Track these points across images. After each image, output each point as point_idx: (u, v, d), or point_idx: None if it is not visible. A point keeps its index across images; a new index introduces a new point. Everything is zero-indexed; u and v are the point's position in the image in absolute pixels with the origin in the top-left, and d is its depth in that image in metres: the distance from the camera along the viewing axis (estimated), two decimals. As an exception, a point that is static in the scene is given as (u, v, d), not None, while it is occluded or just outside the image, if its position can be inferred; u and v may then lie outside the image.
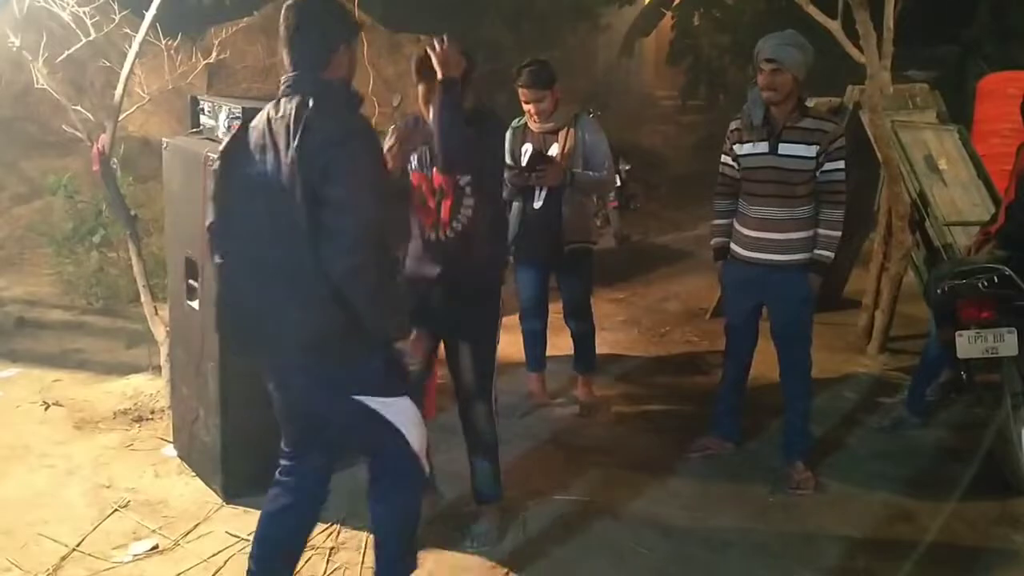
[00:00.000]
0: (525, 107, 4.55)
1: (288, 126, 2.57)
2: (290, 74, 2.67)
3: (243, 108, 3.67)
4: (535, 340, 4.89)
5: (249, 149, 2.68)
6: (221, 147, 2.84)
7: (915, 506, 3.95)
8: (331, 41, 2.67)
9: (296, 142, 2.53)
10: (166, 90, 5.35)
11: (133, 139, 7.93)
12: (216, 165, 2.96)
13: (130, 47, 4.43)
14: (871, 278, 5.98)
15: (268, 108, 2.71)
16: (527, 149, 4.57)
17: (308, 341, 2.64)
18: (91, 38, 4.48)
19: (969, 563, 3.55)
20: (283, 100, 2.65)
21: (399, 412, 2.80)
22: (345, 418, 2.80)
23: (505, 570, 3.45)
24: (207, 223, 2.83)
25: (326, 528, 3.65)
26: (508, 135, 4.65)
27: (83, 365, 5.41)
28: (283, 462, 2.96)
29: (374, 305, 2.60)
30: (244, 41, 8.69)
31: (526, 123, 4.62)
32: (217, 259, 2.78)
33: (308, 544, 3.52)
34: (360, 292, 2.57)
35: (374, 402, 2.74)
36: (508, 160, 4.65)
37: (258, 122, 2.71)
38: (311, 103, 2.57)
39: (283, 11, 2.68)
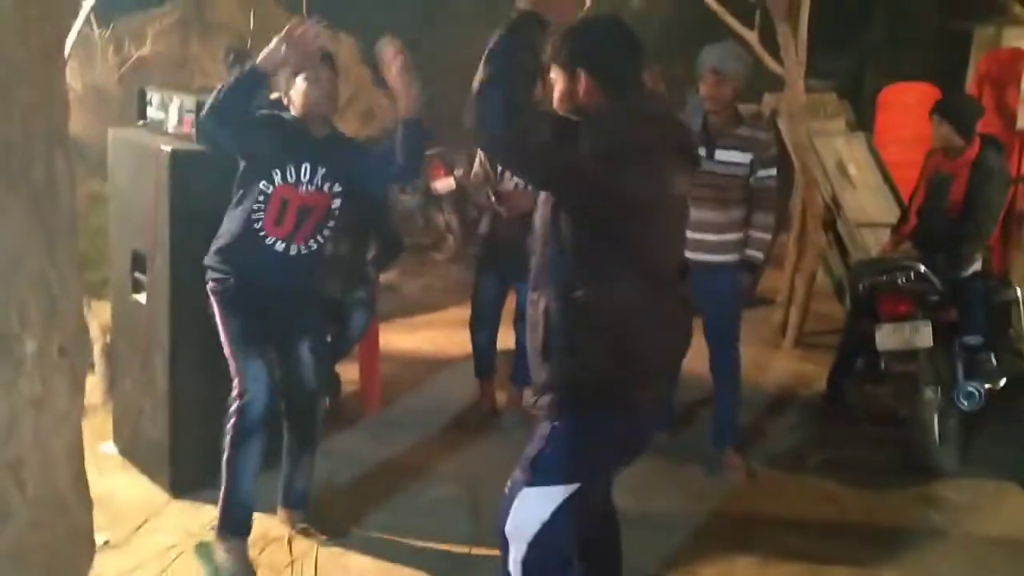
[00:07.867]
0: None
1: None
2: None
3: (197, 101, 3.63)
4: (489, 346, 4.75)
5: None
6: None
7: (839, 490, 4.19)
8: None
9: None
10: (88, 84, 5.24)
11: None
12: None
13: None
14: (785, 277, 6.27)
15: None
16: None
17: None
18: None
19: (892, 541, 3.79)
20: None
21: None
22: None
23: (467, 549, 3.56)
24: None
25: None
26: None
27: (4, 362, 5.23)
28: None
29: None
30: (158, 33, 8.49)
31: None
32: None
33: (265, 536, 3.56)
34: None
35: None
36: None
37: None
38: None
39: None
